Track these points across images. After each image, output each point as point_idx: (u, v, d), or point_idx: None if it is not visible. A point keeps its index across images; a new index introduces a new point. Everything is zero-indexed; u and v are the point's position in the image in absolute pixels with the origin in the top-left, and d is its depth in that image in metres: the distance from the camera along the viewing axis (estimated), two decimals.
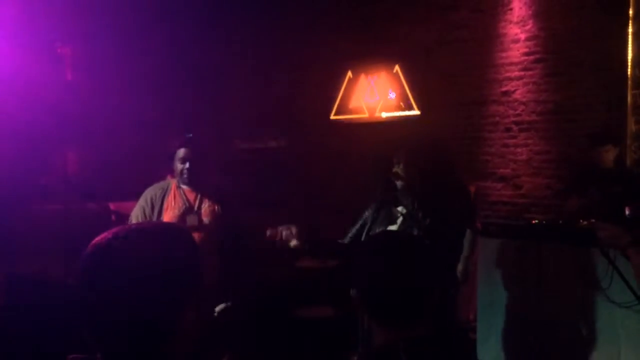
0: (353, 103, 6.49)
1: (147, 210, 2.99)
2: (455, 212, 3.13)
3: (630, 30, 4.79)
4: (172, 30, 6.37)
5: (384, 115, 6.24)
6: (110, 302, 0.97)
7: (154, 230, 1.10)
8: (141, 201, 3.06)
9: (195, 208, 2.99)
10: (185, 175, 2.96)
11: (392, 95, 6.20)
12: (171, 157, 3.02)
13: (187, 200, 3.01)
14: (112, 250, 0.99)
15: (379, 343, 1.26)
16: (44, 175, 5.15)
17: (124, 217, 3.51)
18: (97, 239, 1.02)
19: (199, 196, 3.03)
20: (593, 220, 3.83)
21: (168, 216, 2.95)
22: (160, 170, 4.20)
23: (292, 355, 3.97)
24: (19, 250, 3.86)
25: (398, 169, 3.12)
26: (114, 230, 1.04)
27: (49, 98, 5.19)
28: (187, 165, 2.95)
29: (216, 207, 3.04)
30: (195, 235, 2.46)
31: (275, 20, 6.83)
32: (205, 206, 3.01)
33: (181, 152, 2.98)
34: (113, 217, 4.79)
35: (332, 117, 6.62)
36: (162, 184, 3.13)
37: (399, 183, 3.07)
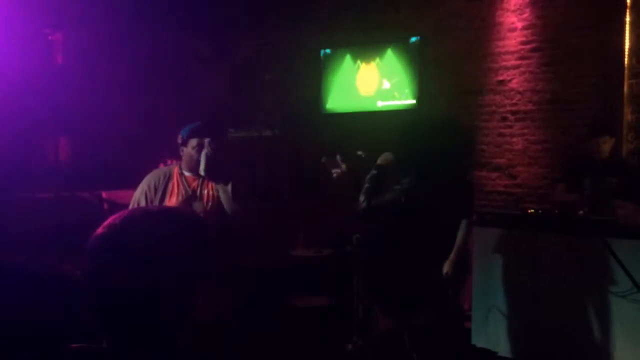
0: (348, 92, 6.44)
1: (150, 195, 2.96)
2: (452, 203, 3.05)
3: (627, 19, 4.77)
4: (164, 17, 6.29)
5: (380, 104, 6.20)
6: (120, 287, 0.93)
7: (166, 214, 1.08)
8: (143, 186, 3.00)
9: (198, 194, 2.98)
10: (203, 166, 2.92)
11: (387, 85, 6.16)
12: (183, 144, 2.98)
13: (189, 187, 2.99)
14: (123, 234, 0.96)
15: (384, 331, 1.24)
16: (35, 162, 5.09)
17: (116, 206, 3.47)
18: (107, 222, 0.99)
19: (200, 182, 3.01)
20: (586, 209, 3.85)
21: (171, 203, 2.93)
22: (153, 157, 4.16)
23: (288, 344, 3.96)
24: (9, 239, 3.81)
25: (362, 154, 3.05)
26: (124, 213, 1.00)
27: (40, 84, 5.12)
28: (208, 153, 2.90)
29: (217, 193, 3.01)
30: None
31: (268, 8, 6.76)
32: (206, 192, 3.00)
33: (194, 141, 2.94)
34: (105, 206, 4.75)
35: (328, 105, 6.57)
36: (164, 169, 3.10)
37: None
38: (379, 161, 2.88)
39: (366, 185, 2.72)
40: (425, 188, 2.64)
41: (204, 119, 3.11)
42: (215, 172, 2.94)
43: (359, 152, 3.06)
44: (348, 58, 6.42)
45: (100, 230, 0.97)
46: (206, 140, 2.92)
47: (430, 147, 2.69)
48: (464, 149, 2.85)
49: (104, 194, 4.90)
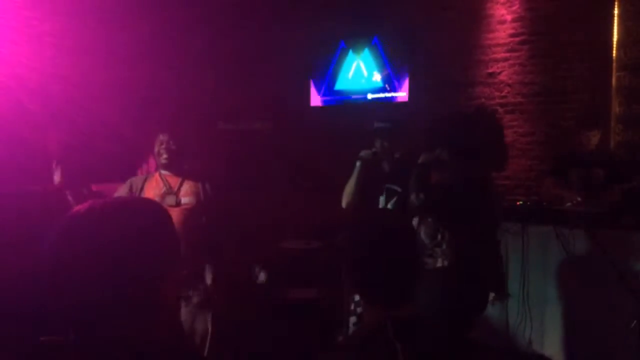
0: (339, 84, 6.44)
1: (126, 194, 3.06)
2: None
3: (615, 12, 4.79)
4: (156, 10, 6.25)
5: (370, 97, 6.20)
6: (83, 277, 0.91)
7: (128, 203, 1.07)
8: (123, 188, 3.10)
9: (175, 190, 3.03)
10: (164, 156, 3.00)
11: (378, 77, 6.16)
12: (153, 146, 3.08)
13: (168, 183, 3.04)
14: (86, 223, 0.95)
15: (369, 322, 1.25)
16: (24, 156, 5.05)
17: None
18: (71, 212, 0.97)
19: (180, 180, 3.08)
20: (574, 201, 3.88)
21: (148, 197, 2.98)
22: (144, 152, 4.15)
23: (277, 336, 3.97)
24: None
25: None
26: (88, 203, 0.99)
27: (30, 76, 5.08)
28: (164, 146, 3.00)
29: (199, 188, 3.07)
30: (174, 214, 2.48)
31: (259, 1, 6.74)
32: (186, 187, 3.05)
33: (160, 136, 3.04)
34: None
35: (318, 97, 6.56)
36: (145, 175, 3.21)
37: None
38: (420, 160, 2.85)
39: (415, 181, 2.70)
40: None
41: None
42: (175, 163, 3.02)
43: (395, 188, 3.07)
44: (339, 50, 6.41)
45: (63, 220, 0.96)
46: (162, 135, 3.01)
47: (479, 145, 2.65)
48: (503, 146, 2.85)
49: (93, 187, 4.87)
